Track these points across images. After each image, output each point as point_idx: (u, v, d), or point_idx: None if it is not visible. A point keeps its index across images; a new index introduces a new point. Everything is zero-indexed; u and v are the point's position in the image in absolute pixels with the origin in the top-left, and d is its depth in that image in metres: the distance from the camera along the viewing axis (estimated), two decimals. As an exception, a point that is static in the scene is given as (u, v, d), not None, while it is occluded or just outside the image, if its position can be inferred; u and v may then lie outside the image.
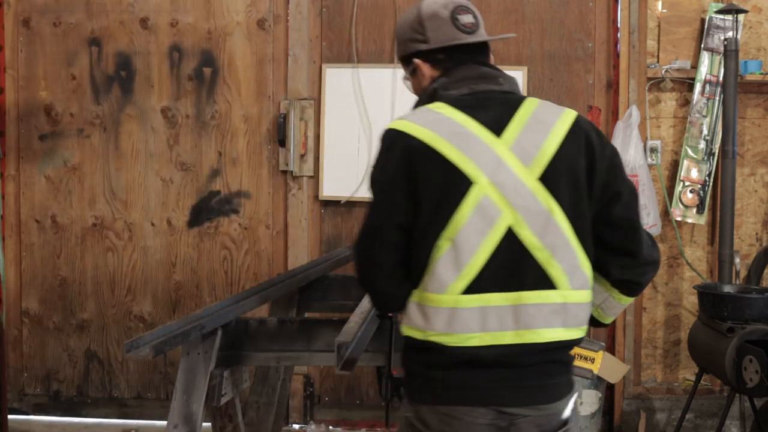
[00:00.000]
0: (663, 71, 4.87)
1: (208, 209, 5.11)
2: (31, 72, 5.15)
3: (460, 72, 2.21)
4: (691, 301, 4.94)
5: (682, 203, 4.88)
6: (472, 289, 2.05)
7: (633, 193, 2.19)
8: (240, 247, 5.10)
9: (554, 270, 2.07)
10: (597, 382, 4.67)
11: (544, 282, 2.07)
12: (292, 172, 5.02)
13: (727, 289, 4.40)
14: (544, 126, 2.12)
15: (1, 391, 4.65)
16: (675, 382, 5.00)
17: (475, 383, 2.07)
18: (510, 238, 2.05)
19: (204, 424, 2.71)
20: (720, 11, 4.63)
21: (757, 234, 4.96)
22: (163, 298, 5.14)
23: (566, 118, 2.15)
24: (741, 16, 4.67)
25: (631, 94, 4.85)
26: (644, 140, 4.85)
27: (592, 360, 2.38)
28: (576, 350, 2.27)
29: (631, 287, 2.23)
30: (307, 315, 3.79)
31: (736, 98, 4.54)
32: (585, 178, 2.11)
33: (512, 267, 2.06)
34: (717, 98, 4.80)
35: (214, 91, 5.07)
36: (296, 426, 5.04)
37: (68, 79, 5.12)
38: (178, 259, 5.12)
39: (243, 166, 5.08)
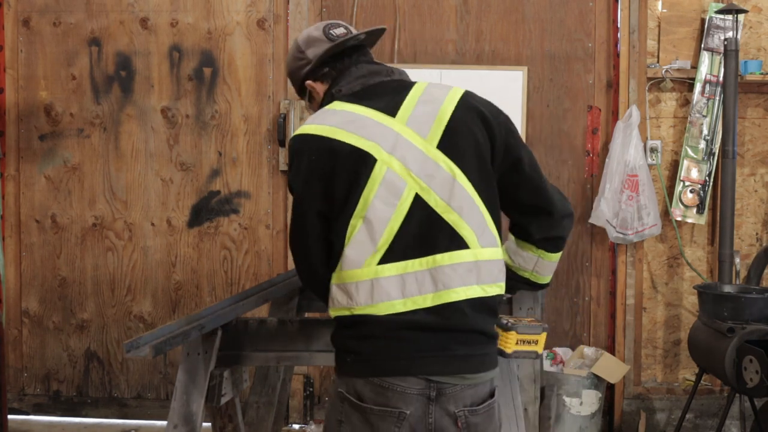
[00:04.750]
0: (663, 71, 4.87)
1: (208, 209, 5.11)
2: (31, 72, 5.15)
3: (350, 74, 2.35)
4: (691, 301, 4.94)
5: (682, 203, 4.88)
6: (387, 258, 2.16)
7: (532, 156, 2.34)
8: (240, 247, 5.10)
9: (464, 230, 2.19)
10: (597, 382, 4.67)
11: (457, 243, 2.19)
12: (292, 172, 5.01)
13: (727, 289, 4.40)
14: (434, 100, 2.27)
15: (1, 391, 4.65)
16: (675, 382, 5.00)
17: (405, 353, 2.16)
18: (419, 206, 2.18)
19: (204, 424, 2.71)
20: (720, 11, 4.63)
21: (757, 234, 4.96)
22: (163, 298, 5.14)
23: (454, 93, 2.30)
24: (741, 16, 4.67)
25: (631, 94, 4.85)
26: (644, 140, 4.85)
27: (536, 342, 2.46)
28: (518, 336, 2.40)
29: (555, 243, 2.38)
30: (307, 315, 3.79)
31: (736, 98, 4.54)
32: (484, 144, 2.25)
33: (425, 232, 2.18)
34: (717, 98, 4.80)
35: (214, 91, 5.07)
36: (296, 426, 5.04)
37: (68, 79, 5.12)
38: (178, 259, 5.12)
39: (243, 166, 5.08)
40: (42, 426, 5.15)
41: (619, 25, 4.89)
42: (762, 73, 4.77)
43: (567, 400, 4.64)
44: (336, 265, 2.21)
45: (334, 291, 2.22)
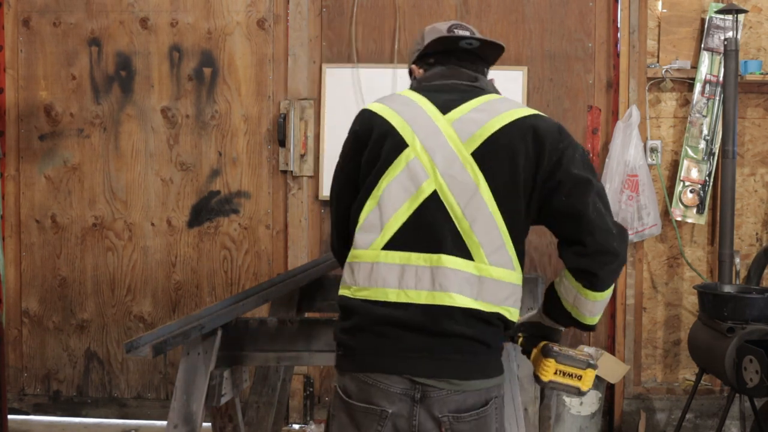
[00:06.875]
0: (663, 71, 4.87)
1: (208, 209, 5.11)
2: (31, 72, 5.15)
3: (439, 72, 2.39)
4: (691, 301, 4.94)
5: (682, 203, 4.88)
6: (392, 245, 2.18)
7: (581, 183, 2.19)
8: (240, 247, 5.10)
9: (471, 241, 2.16)
10: (597, 382, 4.68)
11: (461, 250, 2.16)
12: (292, 172, 5.02)
13: (727, 289, 4.40)
14: (490, 111, 2.24)
15: (1, 391, 4.64)
16: (675, 382, 5.00)
17: (389, 350, 2.15)
18: (435, 203, 2.17)
19: (204, 424, 2.71)
20: (720, 11, 4.63)
21: (757, 234, 4.96)
22: (163, 298, 5.14)
23: (519, 111, 2.24)
24: (741, 16, 4.67)
25: (631, 94, 4.85)
26: (644, 140, 4.85)
27: (579, 377, 2.30)
28: (557, 365, 2.26)
29: (589, 278, 2.20)
30: (307, 315, 3.79)
31: (736, 98, 4.54)
32: (525, 165, 2.18)
33: (434, 230, 2.17)
34: (717, 98, 4.80)
35: (214, 91, 5.07)
36: (296, 426, 5.04)
37: (68, 79, 5.12)
38: (178, 259, 5.12)
39: (243, 166, 5.08)
40: (42, 426, 5.15)
41: (619, 25, 4.88)
42: (762, 73, 4.77)
43: (567, 400, 4.64)
44: (351, 244, 2.26)
45: (345, 268, 2.27)
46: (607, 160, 4.81)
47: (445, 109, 2.25)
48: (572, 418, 4.65)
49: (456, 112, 2.25)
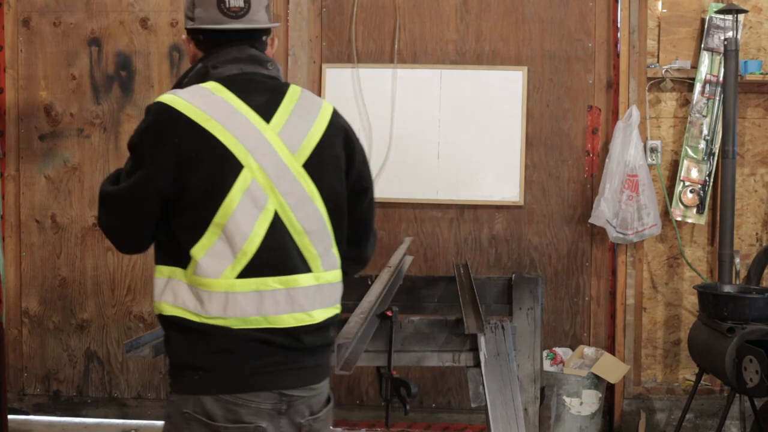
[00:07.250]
0: (663, 71, 4.87)
1: (208, 209, 5.10)
2: (31, 72, 5.15)
3: (229, 53, 2.20)
4: (691, 301, 4.94)
5: (682, 203, 4.88)
6: (247, 273, 2.08)
7: (372, 188, 2.33)
8: (240, 247, 5.09)
9: (310, 253, 2.16)
10: (597, 382, 4.67)
11: (304, 265, 2.15)
12: (292, 172, 5.01)
13: (727, 289, 4.40)
14: (309, 115, 2.19)
15: (1, 391, 4.64)
16: (675, 382, 5.00)
17: (259, 369, 2.10)
18: (279, 223, 2.11)
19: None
20: (720, 11, 4.63)
21: (757, 234, 4.96)
22: (163, 298, 5.13)
23: (326, 109, 2.24)
24: (741, 16, 4.67)
25: (631, 94, 4.85)
26: (644, 140, 4.85)
27: None
28: None
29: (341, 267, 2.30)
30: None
31: (736, 98, 4.54)
32: (346, 170, 2.23)
33: (284, 251, 2.12)
34: (717, 98, 4.80)
35: (214, 91, 5.07)
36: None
37: (68, 79, 5.12)
38: (178, 259, 5.12)
39: (243, 166, 5.08)
40: (42, 426, 5.15)
41: (619, 25, 4.88)
42: (762, 73, 4.77)
43: (567, 400, 4.64)
44: (186, 265, 2.09)
45: (182, 289, 2.09)
46: (607, 160, 4.81)
47: (266, 115, 2.13)
48: (572, 418, 4.65)
49: (278, 119, 2.14)
